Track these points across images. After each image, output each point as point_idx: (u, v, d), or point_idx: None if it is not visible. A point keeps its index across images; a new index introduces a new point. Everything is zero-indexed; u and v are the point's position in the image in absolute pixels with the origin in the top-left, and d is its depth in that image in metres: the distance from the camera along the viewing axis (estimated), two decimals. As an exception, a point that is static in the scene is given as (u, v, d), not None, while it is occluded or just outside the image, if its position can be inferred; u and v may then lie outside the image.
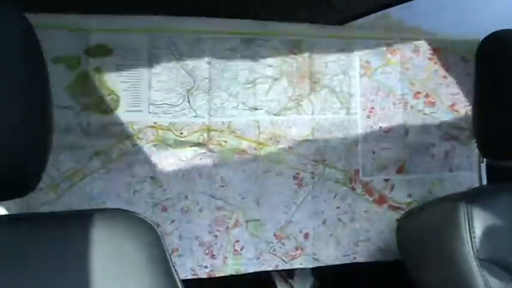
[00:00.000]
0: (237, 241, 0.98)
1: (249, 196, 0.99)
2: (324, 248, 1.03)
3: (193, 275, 0.95)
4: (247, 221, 0.99)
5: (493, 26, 0.76)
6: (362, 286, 1.18)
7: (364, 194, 1.05)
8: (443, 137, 1.09)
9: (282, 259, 1.01)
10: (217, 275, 0.97)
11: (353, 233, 1.05)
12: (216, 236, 0.97)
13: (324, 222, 1.03)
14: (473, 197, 0.76)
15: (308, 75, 1.02)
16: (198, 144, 0.96)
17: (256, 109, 0.99)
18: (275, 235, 1.01)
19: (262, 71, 1.00)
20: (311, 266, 1.04)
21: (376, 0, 1.18)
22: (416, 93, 1.08)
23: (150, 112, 0.93)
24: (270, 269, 1.01)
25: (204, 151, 0.96)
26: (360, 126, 1.05)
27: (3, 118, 0.43)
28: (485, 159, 1.11)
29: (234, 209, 0.98)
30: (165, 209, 0.94)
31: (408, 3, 1.14)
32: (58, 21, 0.88)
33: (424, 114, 1.08)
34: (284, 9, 1.21)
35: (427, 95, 1.08)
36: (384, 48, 1.06)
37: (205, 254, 0.97)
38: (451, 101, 1.09)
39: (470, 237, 0.71)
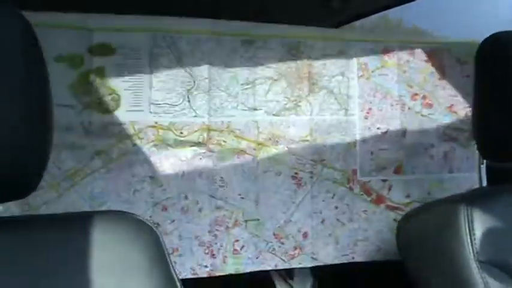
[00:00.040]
0: (237, 240, 0.99)
1: (248, 196, 0.99)
2: (323, 247, 1.04)
3: (193, 274, 0.96)
4: (246, 221, 0.99)
5: (492, 28, 0.76)
6: (361, 286, 1.19)
7: (362, 194, 1.06)
8: (442, 138, 1.09)
9: (281, 258, 1.02)
10: (217, 275, 0.98)
11: (351, 233, 1.05)
12: (215, 235, 0.98)
13: (322, 222, 1.04)
14: (473, 198, 0.76)
15: (307, 76, 1.02)
16: (198, 144, 0.96)
17: (255, 109, 1.00)
18: (274, 235, 1.01)
19: (262, 72, 1.00)
20: (310, 265, 1.04)
21: (375, 2, 1.19)
22: (414, 95, 1.08)
23: (150, 112, 0.93)
24: (269, 268, 1.02)
25: (203, 151, 0.97)
26: (357, 127, 1.05)
27: (3, 118, 0.43)
28: (485, 161, 1.11)
29: (234, 209, 0.98)
30: (165, 209, 0.95)
31: (407, 4, 1.15)
32: (61, 19, 0.88)
33: (422, 115, 1.08)
34: (284, 11, 1.21)
35: (424, 97, 1.08)
36: (381, 51, 1.07)
37: (205, 253, 0.97)
38: (449, 103, 1.09)
39: (471, 239, 0.71)
